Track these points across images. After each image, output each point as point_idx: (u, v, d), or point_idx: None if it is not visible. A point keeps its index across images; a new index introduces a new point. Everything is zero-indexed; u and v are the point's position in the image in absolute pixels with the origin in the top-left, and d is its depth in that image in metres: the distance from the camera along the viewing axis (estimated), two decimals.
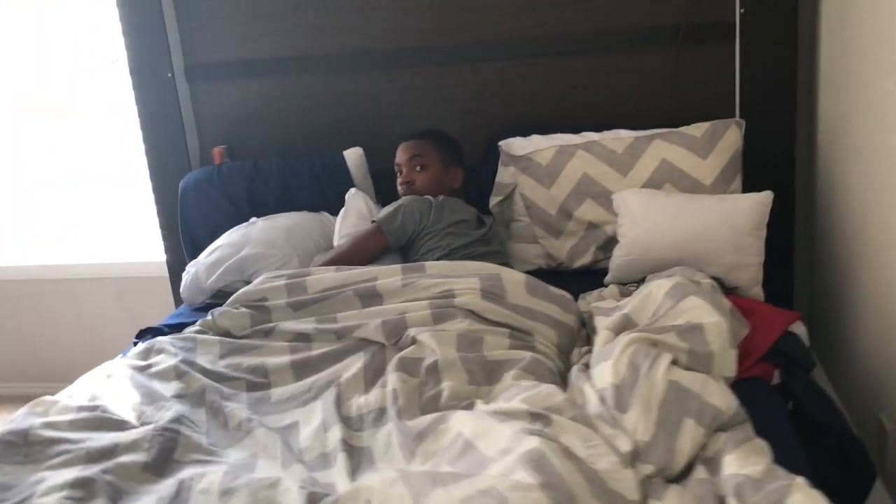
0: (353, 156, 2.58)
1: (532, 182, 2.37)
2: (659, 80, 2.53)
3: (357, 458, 1.36)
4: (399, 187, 2.35)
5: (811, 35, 2.38)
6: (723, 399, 1.32)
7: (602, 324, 1.67)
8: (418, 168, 2.31)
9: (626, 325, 1.57)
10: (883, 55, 1.81)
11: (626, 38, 2.51)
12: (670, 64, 2.50)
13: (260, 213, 2.53)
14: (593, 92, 2.58)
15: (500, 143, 2.47)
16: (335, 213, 2.50)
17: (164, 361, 1.71)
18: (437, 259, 2.09)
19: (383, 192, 2.57)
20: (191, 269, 2.37)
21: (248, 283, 2.24)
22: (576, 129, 2.45)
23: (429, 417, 1.37)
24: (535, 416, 1.27)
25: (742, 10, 2.36)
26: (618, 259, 2.13)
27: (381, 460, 1.34)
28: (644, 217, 2.10)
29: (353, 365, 1.65)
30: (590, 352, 1.65)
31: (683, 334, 1.45)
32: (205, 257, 2.36)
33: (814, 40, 2.38)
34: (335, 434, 1.42)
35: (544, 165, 2.36)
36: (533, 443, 1.15)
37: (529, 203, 2.38)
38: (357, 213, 2.34)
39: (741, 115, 2.44)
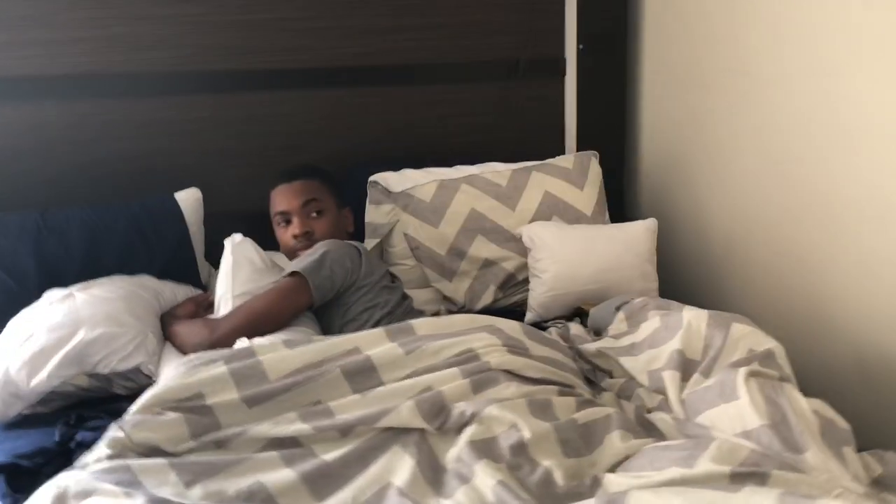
0: (190, 199, 2.05)
1: (416, 221, 2.14)
2: (493, 113, 2.49)
3: None
4: (290, 241, 1.92)
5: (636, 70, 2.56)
6: (838, 418, 1.32)
7: (631, 363, 1.56)
8: (314, 214, 1.93)
9: (684, 362, 1.48)
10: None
11: (462, 68, 2.42)
12: (504, 97, 2.48)
13: (56, 284, 1.86)
14: (430, 124, 2.44)
15: (374, 177, 2.18)
16: (164, 274, 1.96)
17: None
18: (378, 321, 1.75)
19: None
20: None
21: (91, 376, 1.64)
22: (418, 163, 2.28)
23: None
24: (740, 477, 1.12)
25: (581, 47, 2.44)
26: (540, 296, 2.03)
27: None
28: (562, 251, 2.04)
29: (399, 465, 1.28)
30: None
31: (765, 362, 1.41)
32: (14, 351, 1.65)
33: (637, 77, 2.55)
34: None
35: (428, 202, 2.15)
36: None
37: (416, 244, 2.14)
38: (250, 264, 1.85)
39: (578, 149, 2.52)
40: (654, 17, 2.43)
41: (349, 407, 1.38)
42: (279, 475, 1.27)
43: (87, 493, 1.19)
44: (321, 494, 1.26)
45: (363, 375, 1.45)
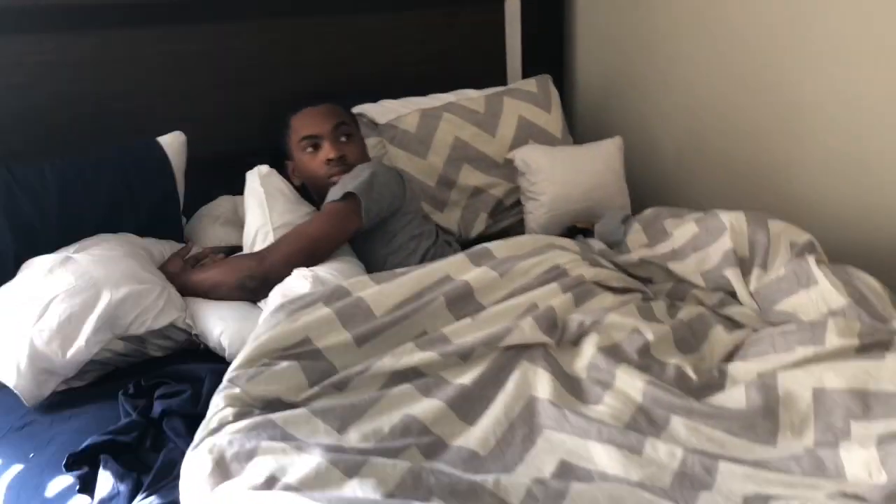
0: (174, 144, 1.85)
1: (404, 153, 2.09)
2: (438, 40, 2.45)
3: None
4: (320, 167, 1.80)
5: None
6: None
7: (681, 268, 1.66)
8: (344, 139, 1.83)
9: (738, 260, 1.59)
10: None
11: None
12: (449, 23, 2.45)
13: (34, 245, 1.64)
14: (381, 53, 2.36)
15: (357, 109, 2.09)
16: (147, 230, 1.78)
17: (292, 466, 1.07)
18: (426, 251, 1.72)
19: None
20: (16, 351, 1.41)
21: (125, 339, 1.50)
22: (373, 96, 2.23)
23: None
24: (867, 347, 1.26)
25: None
26: (540, 217, 2.08)
27: None
28: (556, 172, 2.09)
29: (536, 380, 1.30)
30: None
31: (809, 250, 1.57)
32: (33, 324, 1.44)
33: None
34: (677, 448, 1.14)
35: (413, 132, 2.11)
36: None
37: (407, 177, 2.09)
38: (282, 195, 1.73)
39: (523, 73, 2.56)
40: None
41: (464, 332, 1.37)
42: (425, 405, 1.24)
43: (250, 455, 1.09)
44: (470, 417, 1.25)
45: (464, 301, 1.43)
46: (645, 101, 2.46)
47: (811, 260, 1.49)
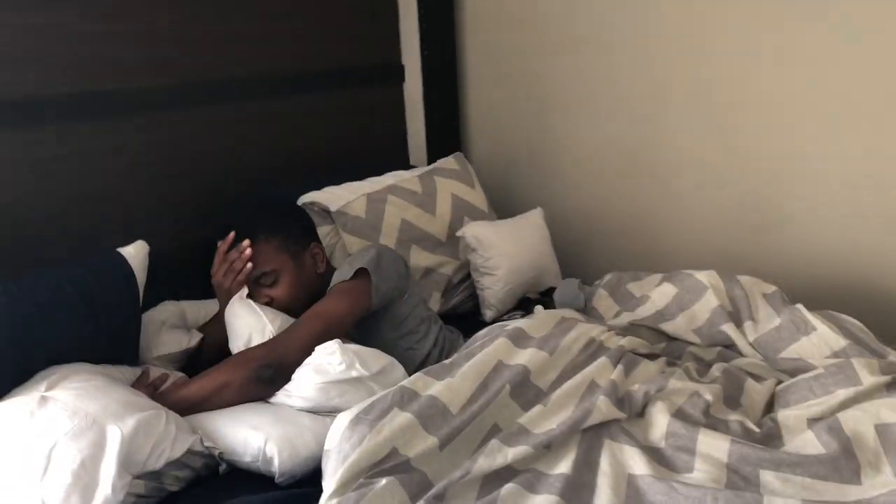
0: (139, 256, 1.63)
1: (357, 239, 2.02)
2: (344, 122, 2.43)
3: None
4: None
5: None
6: None
7: (672, 327, 1.75)
8: (266, 289, 1.69)
9: (726, 315, 1.72)
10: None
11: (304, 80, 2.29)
12: (354, 105, 2.44)
13: None
14: (292, 138, 2.28)
15: (306, 199, 1.99)
16: (105, 354, 1.55)
17: None
18: (438, 335, 1.66)
19: None
20: None
21: (143, 477, 1.30)
22: (294, 180, 2.16)
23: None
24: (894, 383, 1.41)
25: (425, 53, 2.51)
26: (499, 292, 2.09)
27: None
28: (506, 246, 2.13)
29: (627, 457, 1.29)
30: None
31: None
32: (40, 480, 1.18)
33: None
34: None
35: (364, 218, 2.04)
36: None
37: None
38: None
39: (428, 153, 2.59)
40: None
41: (540, 420, 1.34)
42: (539, 501, 1.20)
43: None
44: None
45: (523, 387, 1.40)
46: (545, 174, 2.58)
47: (802, 308, 1.66)
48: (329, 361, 1.40)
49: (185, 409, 1.42)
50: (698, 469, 1.29)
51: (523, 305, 2.14)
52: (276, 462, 1.32)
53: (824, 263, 2.04)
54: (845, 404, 1.39)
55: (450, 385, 1.34)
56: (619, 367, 1.48)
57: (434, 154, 2.57)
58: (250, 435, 1.35)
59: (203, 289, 1.80)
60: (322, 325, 1.49)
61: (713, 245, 2.22)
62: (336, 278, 1.61)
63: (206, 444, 1.36)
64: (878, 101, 1.84)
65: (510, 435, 1.31)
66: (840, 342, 1.58)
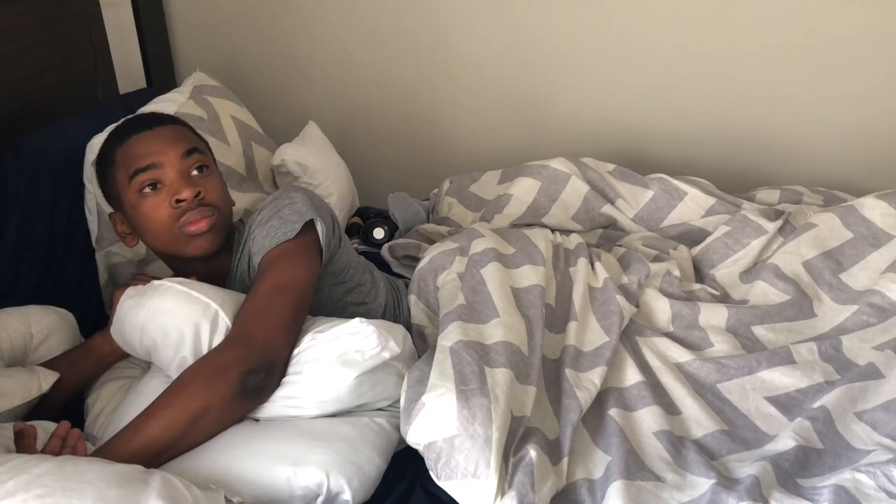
0: None
1: None
2: None
3: None
4: (165, 213, 1.20)
5: None
6: None
7: None
8: (195, 172, 1.23)
9: None
10: None
11: None
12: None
13: None
14: None
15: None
16: None
17: None
18: (385, 283, 1.37)
19: None
20: None
21: None
22: None
23: None
24: None
25: None
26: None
27: None
28: (327, 169, 1.84)
29: (669, 351, 1.29)
30: None
31: None
32: None
33: None
34: None
35: None
36: None
37: None
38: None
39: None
40: None
41: (584, 337, 1.23)
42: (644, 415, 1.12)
43: None
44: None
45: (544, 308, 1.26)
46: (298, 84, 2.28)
47: (666, 176, 1.75)
48: (360, 348, 1.06)
49: (147, 461, 0.96)
50: (715, 341, 1.33)
51: (357, 231, 1.89)
52: (346, 495, 0.99)
53: (592, 139, 2.18)
54: (765, 251, 1.54)
55: (506, 325, 1.14)
56: (598, 263, 1.42)
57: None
58: (294, 473, 0.98)
59: None
60: (291, 300, 1.11)
61: (493, 141, 2.21)
62: (269, 237, 1.20)
63: (234, 500, 0.95)
64: None
65: (574, 360, 1.18)
66: (709, 200, 1.72)
